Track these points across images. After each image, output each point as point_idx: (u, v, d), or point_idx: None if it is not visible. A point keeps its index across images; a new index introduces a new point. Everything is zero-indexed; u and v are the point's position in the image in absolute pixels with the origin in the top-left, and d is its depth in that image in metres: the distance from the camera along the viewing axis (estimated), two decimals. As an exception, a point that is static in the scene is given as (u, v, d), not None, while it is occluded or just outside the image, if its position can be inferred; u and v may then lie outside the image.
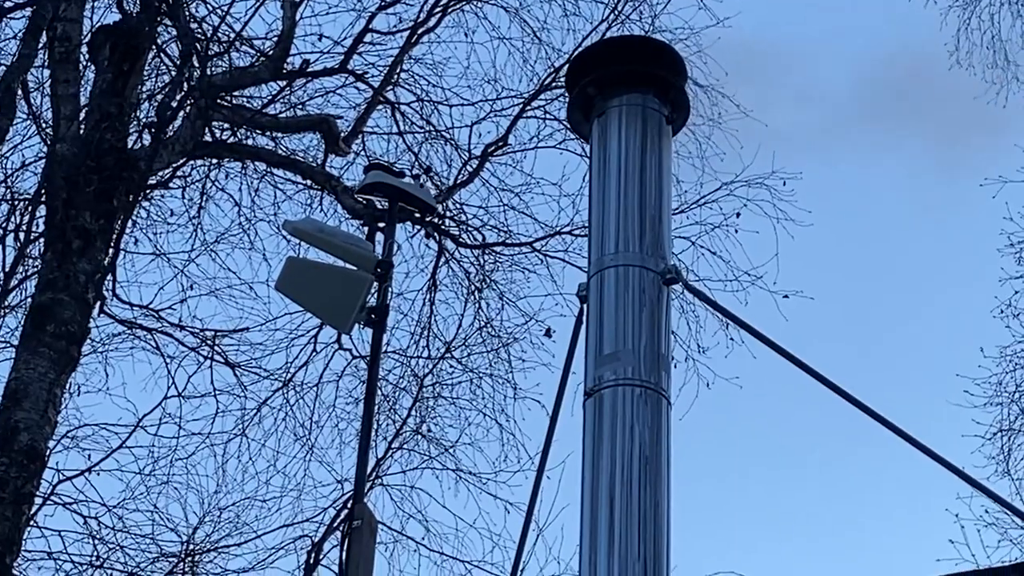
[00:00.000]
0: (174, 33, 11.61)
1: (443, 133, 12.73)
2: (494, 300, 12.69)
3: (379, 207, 7.02)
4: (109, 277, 10.80)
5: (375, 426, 10.94)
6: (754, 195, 12.35)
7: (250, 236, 12.39)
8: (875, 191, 18.44)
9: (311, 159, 12.27)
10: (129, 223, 11.17)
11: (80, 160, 10.12)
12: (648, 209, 4.63)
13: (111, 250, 10.28)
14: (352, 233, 7.70)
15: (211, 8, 11.91)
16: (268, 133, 12.23)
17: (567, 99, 5.03)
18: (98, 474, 11.10)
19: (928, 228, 18.03)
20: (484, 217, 12.67)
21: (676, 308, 11.55)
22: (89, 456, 11.18)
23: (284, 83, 12.18)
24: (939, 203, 17.14)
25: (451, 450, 12.24)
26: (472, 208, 12.70)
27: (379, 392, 11.17)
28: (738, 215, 12.35)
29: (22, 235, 10.86)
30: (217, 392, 12.05)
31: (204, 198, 12.37)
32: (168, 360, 11.85)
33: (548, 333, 12.32)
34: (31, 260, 10.87)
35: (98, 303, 10.33)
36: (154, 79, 11.69)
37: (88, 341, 10.11)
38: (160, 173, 11.38)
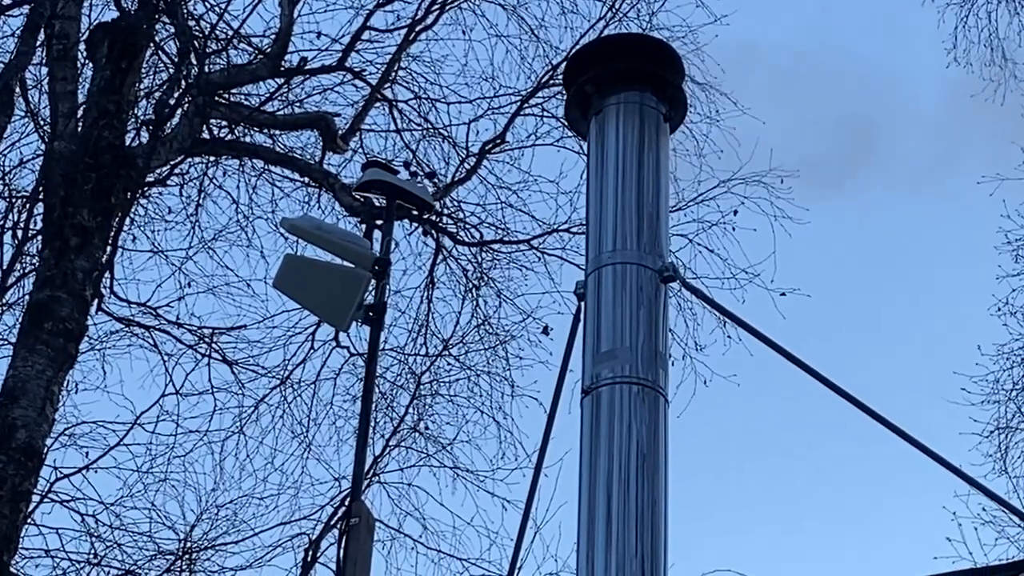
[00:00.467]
0: (172, 31, 11.61)
1: (441, 131, 12.75)
2: (492, 297, 12.71)
3: (377, 204, 7.02)
4: (107, 274, 10.80)
5: (373, 424, 10.95)
6: (751, 193, 12.37)
7: (248, 233, 12.41)
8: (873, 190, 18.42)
9: (309, 156, 12.27)
10: (127, 220, 11.17)
11: (78, 157, 10.11)
12: (646, 207, 4.64)
13: (109, 247, 10.28)
14: (350, 230, 7.69)
15: (209, 5, 11.91)
16: (266, 130, 12.23)
17: (565, 97, 5.04)
18: (96, 472, 11.13)
19: (925, 225, 18.04)
20: (482, 215, 12.70)
21: (673, 306, 11.58)
22: (87, 454, 11.20)
23: (282, 80, 12.18)
24: (937, 199, 17.14)
25: (449, 448, 12.25)
26: (470, 205, 12.72)
27: (377, 390, 11.19)
28: (735, 213, 12.36)
29: (20, 232, 10.87)
30: (215, 390, 12.08)
31: (202, 195, 12.39)
32: (166, 357, 11.87)
33: (546, 331, 12.34)
34: (29, 257, 10.88)
35: (96, 300, 10.32)
36: (152, 76, 11.70)
37: (86, 338, 10.11)
38: (158, 170, 11.38)
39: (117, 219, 10.33)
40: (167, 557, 11.26)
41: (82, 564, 10.93)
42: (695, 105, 12.36)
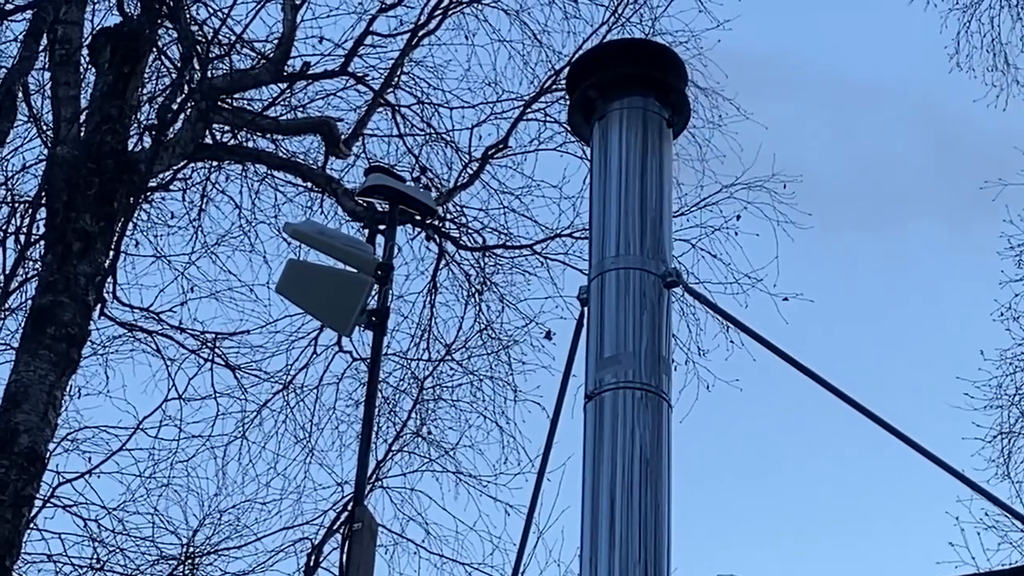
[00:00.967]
0: (175, 35, 11.62)
1: (443, 135, 12.74)
2: (494, 303, 12.70)
3: (379, 209, 7.02)
4: (109, 279, 10.81)
5: (375, 429, 10.94)
6: (754, 198, 12.37)
7: (250, 238, 12.41)
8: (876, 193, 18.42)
9: (311, 161, 12.27)
10: (129, 225, 11.18)
11: (81, 162, 10.12)
12: (649, 212, 4.64)
13: (111, 252, 10.29)
14: (352, 235, 7.70)
15: (212, 11, 11.94)
16: (268, 135, 12.23)
17: (568, 102, 5.04)
18: (98, 476, 11.13)
19: (929, 231, 18.03)
20: (484, 220, 12.69)
21: (676, 311, 11.56)
22: (89, 458, 11.21)
23: (285, 85, 12.19)
24: (940, 206, 17.14)
25: (451, 453, 12.25)
26: (472, 211, 12.72)
27: (379, 395, 11.17)
28: (738, 218, 12.37)
29: (22, 237, 10.86)
30: (217, 395, 12.07)
31: (204, 200, 12.38)
32: (168, 362, 11.87)
33: (548, 336, 12.34)
34: (31, 262, 10.88)
35: (98, 305, 10.33)
36: (155, 81, 11.71)
37: (88, 343, 10.12)
38: (160, 175, 11.38)
39: (120, 224, 10.34)
40: (170, 562, 11.27)
41: (84, 569, 10.94)
42: (698, 110, 12.38)
